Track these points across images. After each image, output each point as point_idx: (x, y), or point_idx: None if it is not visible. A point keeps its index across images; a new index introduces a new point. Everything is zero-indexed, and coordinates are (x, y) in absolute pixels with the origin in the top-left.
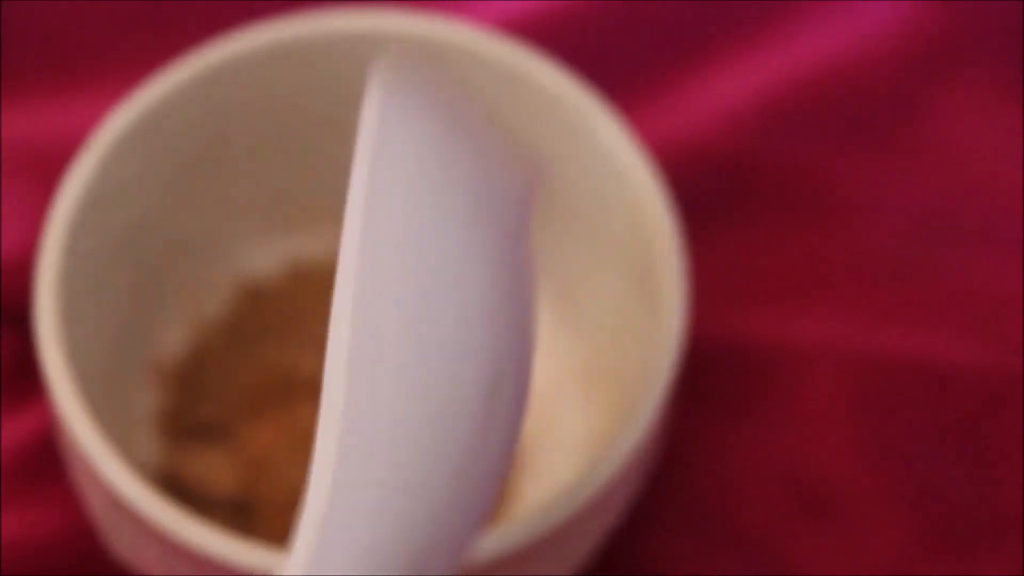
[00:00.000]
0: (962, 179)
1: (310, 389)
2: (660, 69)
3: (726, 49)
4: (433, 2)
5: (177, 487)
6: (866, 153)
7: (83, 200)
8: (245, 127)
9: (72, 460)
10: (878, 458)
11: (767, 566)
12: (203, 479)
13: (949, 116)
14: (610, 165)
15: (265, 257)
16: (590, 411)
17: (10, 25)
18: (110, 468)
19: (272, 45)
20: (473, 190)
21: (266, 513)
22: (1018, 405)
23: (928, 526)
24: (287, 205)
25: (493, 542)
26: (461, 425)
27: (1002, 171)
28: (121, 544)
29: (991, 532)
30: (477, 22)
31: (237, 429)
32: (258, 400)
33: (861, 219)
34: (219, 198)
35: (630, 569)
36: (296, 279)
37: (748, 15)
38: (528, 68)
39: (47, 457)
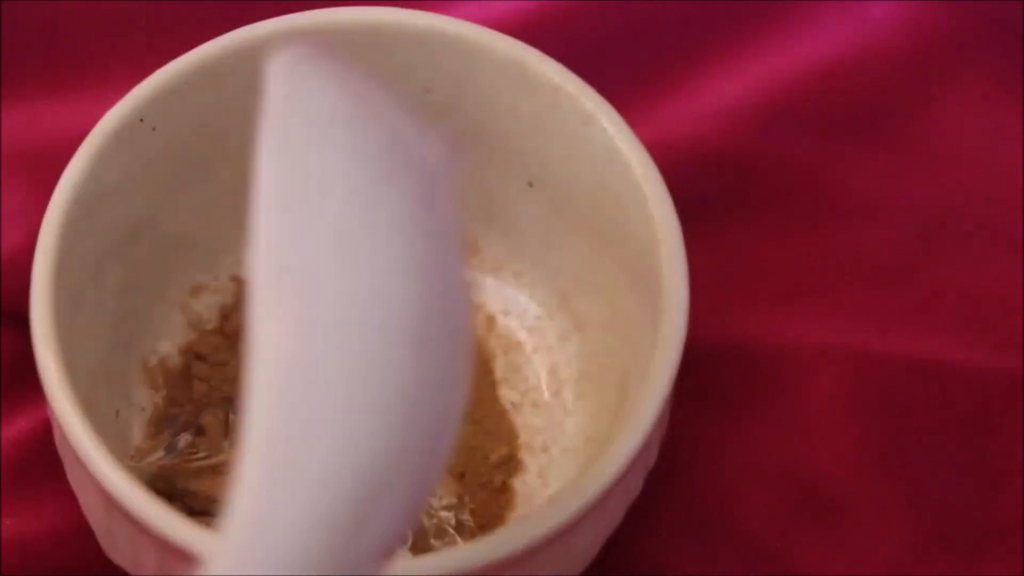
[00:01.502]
0: (962, 179)
1: None
2: (660, 69)
3: (726, 49)
4: (434, 0)
5: (173, 488)
6: (866, 152)
7: (76, 198)
8: (241, 124)
9: (68, 460)
10: (878, 458)
11: (767, 566)
12: (200, 480)
13: (949, 116)
14: (610, 163)
15: None
16: (590, 411)
17: (10, 25)
18: (105, 469)
19: (269, 41)
20: (377, 156)
21: None
22: (1018, 405)
23: (928, 526)
24: None
25: (494, 543)
26: (390, 377)
27: (1002, 171)
28: (117, 546)
29: (991, 532)
30: (478, 21)
31: (235, 429)
32: None
33: (861, 219)
34: (215, 196)
35: (630, 569)
36: None
37: (748, 15)
38: (530, 64)
39: (47, 457)
